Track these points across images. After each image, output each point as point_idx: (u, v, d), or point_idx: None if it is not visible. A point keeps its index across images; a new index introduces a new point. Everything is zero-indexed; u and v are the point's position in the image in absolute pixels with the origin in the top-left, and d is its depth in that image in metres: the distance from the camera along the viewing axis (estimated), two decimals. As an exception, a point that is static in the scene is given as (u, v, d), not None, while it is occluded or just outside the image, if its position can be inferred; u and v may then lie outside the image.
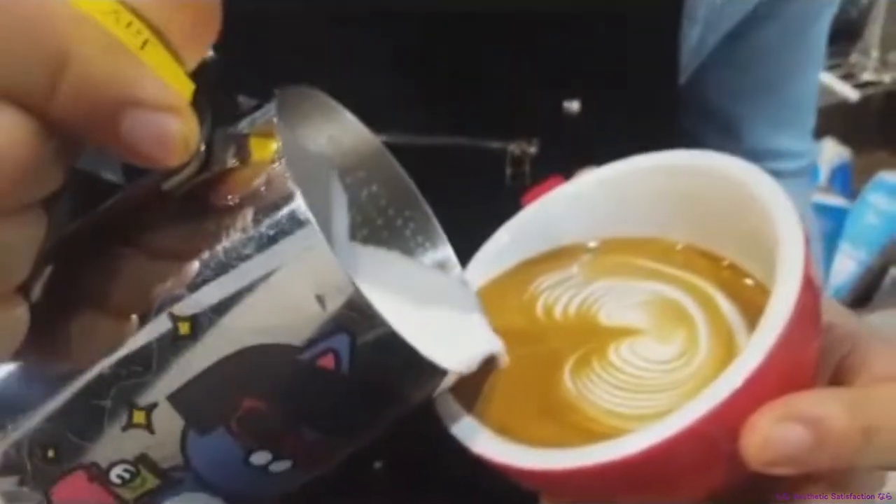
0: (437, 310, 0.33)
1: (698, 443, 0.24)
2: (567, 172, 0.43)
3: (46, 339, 0.23)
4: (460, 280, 0.35)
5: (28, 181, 0.19)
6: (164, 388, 0.24)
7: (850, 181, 1.33)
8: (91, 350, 0.24)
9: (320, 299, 0.23)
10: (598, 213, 0.37)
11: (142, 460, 0.25)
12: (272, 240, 0.23)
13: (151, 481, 0.25)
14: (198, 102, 0.21)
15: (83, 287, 0.23)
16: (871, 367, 0.28)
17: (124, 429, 0.24)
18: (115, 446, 0.25)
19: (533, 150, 0.48)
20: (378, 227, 0.35)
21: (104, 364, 0.24)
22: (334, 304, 0.23)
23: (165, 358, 0.24)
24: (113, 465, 0.25)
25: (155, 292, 0.24)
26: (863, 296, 1.29)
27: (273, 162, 0.24)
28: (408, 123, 0.45)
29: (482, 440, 0.28)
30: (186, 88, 0.21)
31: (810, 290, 0.26)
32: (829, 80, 1.31)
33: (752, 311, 0.29)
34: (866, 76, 1.34)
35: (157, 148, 0.20)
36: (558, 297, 0.35)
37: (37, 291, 0.22)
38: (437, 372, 0.26)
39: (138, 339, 0.24)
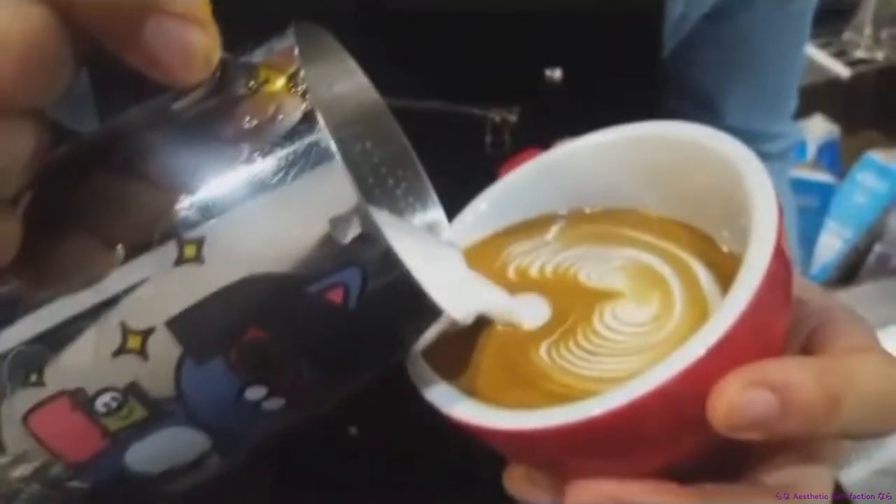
0: (427, 269, 0.32)
1: (665, 405, 0.24)
2: (547, 142, 0.43)
3: (39, 260, 0.22)
4: (449, 242, 0.35)
5: (34, 73, 0.18)
6: (163, 313, 0.23)
7: (838, 158, 1.33)
8: (87, 273, 0.23)
9: (335, 229, 0.23)
10: (574, 184, 0.37)
11: (131, 389, 0.24)
12: (289, 164, 0.22)
13: (139, 412, 0.24)
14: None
15: (81, 209, 0.22)
16: (839, 339, 0.28)
17: (115, 354, 0.23)
18: (104, 372, 0.24)
19: (513, 118, 0.48)
20: (368, 185, 0.34)
21: (100, 286, 0.23)
22: (348, 235, 0.23)
23: (167, 281, 0.23)
24: (100, 392, 0.24)
25: (157, 215, 0.23)
26: (848, 273, 1.30)
27: (290, 89, 0.23)
28: (389, 85, 0.45)
29: (452, 402, 0.28)
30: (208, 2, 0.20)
31: (781, 260, 0.26)
32: (821, 57, 1.31)
33: (726, 278, 0.29)
34: (859, 53, 1.34)
35: (179, 60, 0.20)
36: (532, 261, 0.35)
37: (24, 207, 0.21)
38: (440, 316, 0.26)
39: (139, 262, 0.23)
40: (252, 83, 0.24)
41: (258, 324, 0.24)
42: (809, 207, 1.18)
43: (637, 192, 0.35)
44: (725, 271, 0.30)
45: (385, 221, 0.34)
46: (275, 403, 0.25)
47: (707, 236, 0.33)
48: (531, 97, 0.48)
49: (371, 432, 0.55)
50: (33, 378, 0.24)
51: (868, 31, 1.31)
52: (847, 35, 1.35)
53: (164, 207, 0.23)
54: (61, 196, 0.23)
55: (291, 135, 0.22)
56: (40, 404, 0.24)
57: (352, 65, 0.31)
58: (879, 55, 1.32)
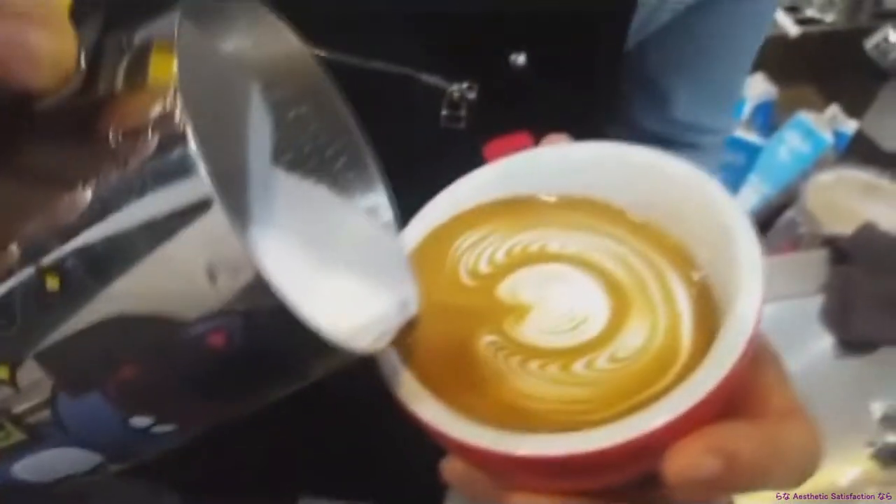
0: (354, 261, 0.31)
1: (625, 454, 0.26)
2: (503, 122, 0.43)
3: None
4: (389, 227, 0.33)
5: None
6: (30, 346, 0.21)
7: (770, 119, 1.35)
8: None
9: (212, 275, 0.20)
10: (560, 182, 0.37)
11: (5, 414, 0.23)
12: (159, 192, 0.20)
13: (18, 435, 0.23)
14: (83, 5, 0.18)
15: None
16: (772, 400, 0.30)
17: None
18: None
19: (472, 95, 0.48)
20: (305, 153, 0.32)
21: None
22: (229, 284, 0.20)
23: (30, 313, 0.21)
24: None
25: (17, 230, 0.20)
26: (758, 228, 1.34)
27: (170, 88, 0.20)
28: (355, 48, 0.44)
29: (418, 399, 0.29)
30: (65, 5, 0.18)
31: (758, 333, 0.28)
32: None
33: (701, 308, 0.31)
34: (810, 12, 1.34)
35: (25, 65, 0.18)
36: (512, 244, 0.36)
37: None
38: (345, 353, 0.24)
39: (2, 288, 0.21)
40: (127, 77, 0.21)
41: (132, 362, 0.22)
42: (735, 164, 1.20)
43: (622, 201, 0.36)
44: (701, 299, 0.32)
45: (312, 198, 0.32)
46: (165, 428, 0.24)
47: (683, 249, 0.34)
48: (493, 77, 0.48)
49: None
50: None
51: (824, -10, 1.31)
52: (803, -9, 1.34)
53: (20, 223, 0.21)
54: None
55: (163, 157, 0.20)
56: None
57: (280, 24, 0.28)
58: (829, 17, 1.32)
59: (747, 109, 1.29)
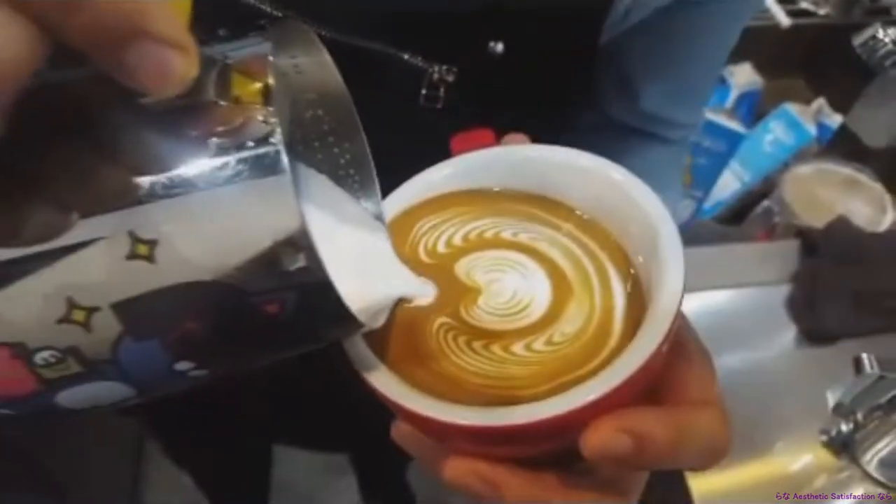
0: (354, 244, 0.35)
1: (553, 427, 0.29)
2: (480, 105, 0.47)
3: None
4: (379, 224, 0.36)
5: (6, 81, 0.19)
6: (110, 296, 0.24)
7: (753, 110, 1.36)
8: (39, 234, 0.23)
9: (280, 255, 0.24)
10: (516, 179, 0.40)
11: (71, 351, 0.25)
12: (246, 185, 0.24)
13: (75, 368, 0.26)
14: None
15: (41, 169, 0.23)
16: (691, 389, 0.33)
17: (60, 321, 0.25)
18: (47, 334, 0.25)
19: (450, 77, 0.50)
20: (314, 148, 0.36)
21: (54, 257, 0.24)
22: (292, 264, 0.24)
23: (117, 270, 0.24)
24: (40, 349, 0.25)
25: (116, 199, 0.23)
26: (737, 214, 1.36)
27: (259, 104, 0.24)
28: (334, 20, 0.45)
29: (372, 368, 0.32)
30: (186, 10, 0.22)
31: (674, 330, 0.30)
32: (769, -1, 1.31)
33: (634, 302, 0.34)
34: (804, 4, 1.34)
35: (156, 80, 0.20)
36: (452, 233, 0.38)
37: None
38: (361, 328, 0.29)
39: (94, 248, 0.24)
40: (222, 91, 0.24)
41: (197, 319, 0.25)
42: (717, 151, 1.22)
43: (573, 196, 0.38)
44: (634, 292, 0.34)
45: (319, 185, 0.36)
46: (199, 373, 0.27)
47: (623, 249, 0.36)
48: (472, 63, 0.50)
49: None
50: None
51: (818, -17, 1.31)
52: (798, -18, 1.34)
53: (123, 194, 0.23)
54: (20, 149, 0.22)
55: (251, 156, 0.24)
56: None
57: (317, 44, 0.32)
58: (822, 11, 1.33)
59: (732, 98, 1.30)
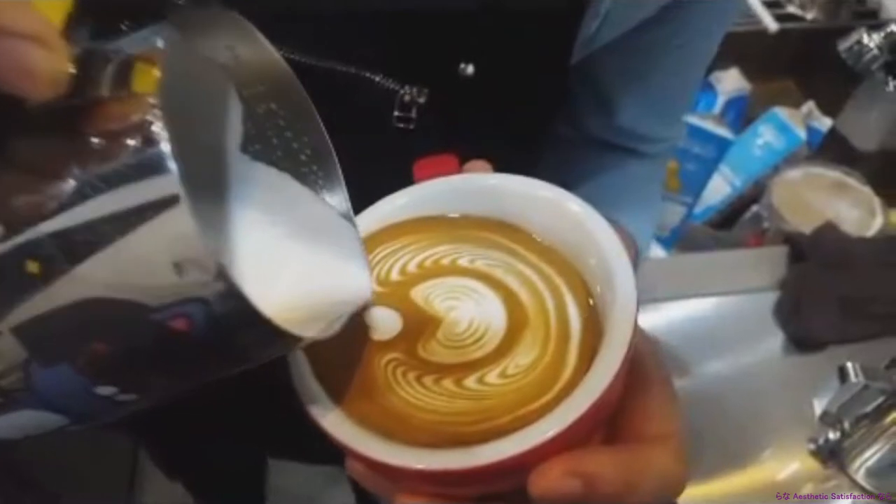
0: (314, 247, 0.33)
1: (503, 469, 0.28)
2: (452, 126, 0.47)
3: None
4: (345, 216, 0.35)
5: None
6: (8, 320, 0.23)
7: (741, 116, 1.36)
8: None
9: (178, 267, 0.22)
10: (475, 206, 0.39)
11: None
12: (134, 191, 0.22)
13: None
14: (75, 15, 0.20)
15: None
16: (649, 425, 0.33)
17: None
18: None
19: (422, 99, 0.50)
20: (273, 145, 0.34)
21: None
22: (193, 277, 0.22)
23: (10, 290, 0.23)
24: None
25: (2, 210, 0.22)
26: (727, 219, 1.36)
27: (151, 98, 0.22)
28: (312, 51, 0.45)
29: (318, 404, 0.32)
30: (61, 8, 0.20)
31: (628, 363, 0.30)
32: (755, 2, 1.31)
33: (590, 330, 0.33)
34: (791, 8, 1.34)
35: (22, 79, 0.20)
36: (426, 254, 0.38)
37: None
38: (295, 341, 0.26)
39: None
40: (111, 85, 0.23)
41: (102, 340, 0.24)
42: (705, 156, 1.21)
43: (532, 224, 0.38)
44: (590, 324, 0.34)
45: (279, 185, 0.34)
46: (128, 397, 0.26)
47: (581, 276, 0.36)
48: (442, 84, 0.50)
49: None
50: None
51: (805, -13, 1.31)
52: (785, -14, 1.34)
53: (9, 211, 0.22)
54: None
55: (137, 157, 0.22)
56: None
57: (256, 34, 0.30)
58: (809, 15, 1.33)
59: (719, 103, 1.30)
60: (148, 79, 0.23)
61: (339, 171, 0.34)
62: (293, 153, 0.34)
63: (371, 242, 0.38)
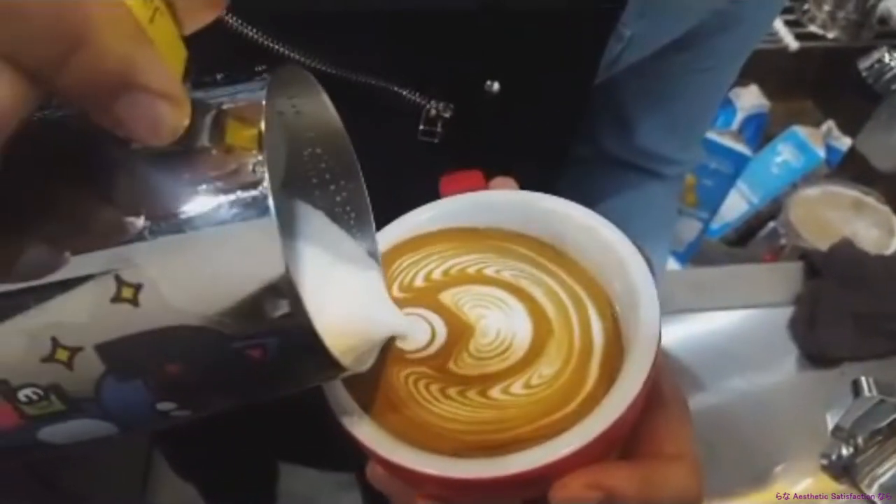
0: (349, 281, 0.35)
1: (525, 481, 0.29)
2: (476, 141, 0.49)
3: None
4: (373, 256, 0.37)
5: None
6: (93, 338, 0.24)
7: (760, 132, 1.36)
8: (27, 273, 0.23)
9: (263, 302, 0.24)
10: (499, 219, 0.40)
11: (54, 389, 0.26)
12: (232, 232, 0.24)
13: (58, 406, 0.26)
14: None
15: (29, 208, 0.23)
16: (665, 444, 0.34)
17: (44, 360, 0.25)
18: (30, 372, 0.25)
19: (448, 114, 0.51)
20: (312, 185, 0.36)
21: (42, 295, 0.24)
22: (276, 311, 0.24)
23: (102, 312, 0.24)
24: (23, 386, 0.25)
25: (104, 241, 0.24)
26: (743, 236, 1.36)
27: (251, 150, 0.24)
28: (344, 63, 0.47)
29: (351, 416, 0.33)
30: (180, 60, 0.21)
31: (651, 381, 0.31)
32: (776, 21, 1.31)
33: (611, 343, 0.34)
34: (813, 28, 1.34)
35: (146, 131, 0.21)
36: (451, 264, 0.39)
37: None
38: (345, 372, 0.29)
39: (80, 289, 0.24)
40: (214, 137, 0.24)
41: (180, 363, 0.25)
42: (723, 172, 1.22)
43: (555, 238, 0.39)
44: (613, 335, 0.35)
45: (314, 222, 0.36)
46: (181, 413, 0.28)
47: (605, 292, 0.36)
48: (468, 100, 0.51)
49: None
50: None
51: (827, 7, 1.31)
52: (807, 6, 1.34)
53: (110, 238, 0.23)
54: (12, 185, 0.23)
55: (238, 203, 0.24)
56: None
57: (316, 86, 0.32)
58: (830, 34, 1.33)
59: (738, 120, 1.30)
60: (246, 132, 0.24)
61: (372, 215, 0.36)
62: (329, 195, 0.36)
63: (395, 253, 0.39)
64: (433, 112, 0.51)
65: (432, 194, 0.41)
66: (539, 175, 0.42)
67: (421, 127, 0.52)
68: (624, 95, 0.61)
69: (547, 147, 0.58)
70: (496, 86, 0.50)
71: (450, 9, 0.47)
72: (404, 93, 0.50)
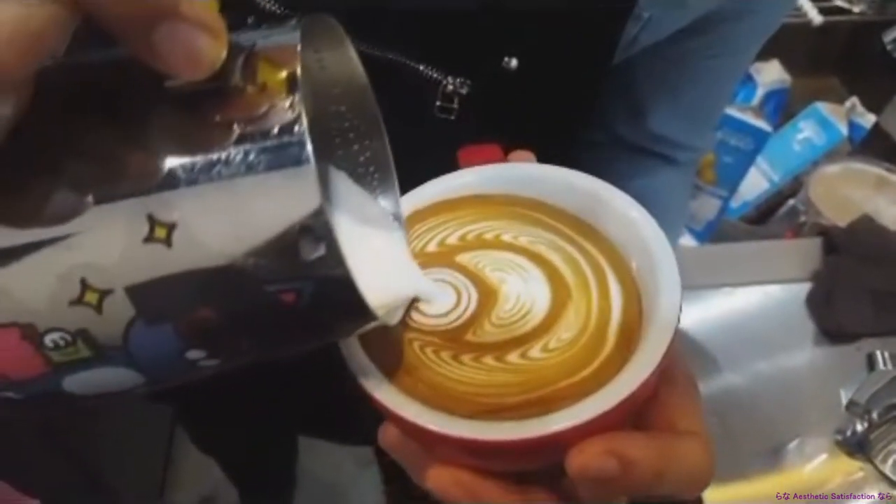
0: (374, 239, 0.35)
1: (541, 446, 0.29)
2: (492, 118, 0.49)
3: (9, 191, 0.23)
4: (396, 223, 0.37)
5: (31, 61, 0.19)
6: (124, 279, 0.24)
7: (781, 108, 1.34)
8: (56, 217, 0.23)
9: (299, 244, 0.24)
10: (517, 189, 0.40)
11: (81, 334, 0.25)
12: (269, 173, 0.23)
13: (84, 352, 0.25)
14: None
15: (61, 150, 0.23)
16: (679, 419, 0.33)
17: (72, 303, 0.24)
18: (58, 315, 0.25)
19: (465, 90, 0.51)
20: (334, 144, 0.36)
21: (68, 235, 0.23)
22: (311, 253, 0.24)
23: (133, 253, 0.24)
24: (51, 330, 0.25)
25: (136, 184, 0.23)
26: (763, 214, 1.35)
27: (286, 92, 0.24)
28: (354, 30, 0.47)
29: (370, 377, 0.33)
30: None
31: (671, 350, 0.31)
32: (801, -5, 1.29)
33: (629, 310, 0.34)
34: (838, 1, 1.32)
35: (185, 63, 0.21)
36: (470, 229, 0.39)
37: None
38: (375, 322, 0.28)
39: (110, 228, 0.23)
40: (248, 77, 0.24)
41: (212, 306, 0.25)
42: (743, 149, 1.20)
43: (572, 206, 0.39)
44: (631, 301, 0.35)
45: (339, 182, 0.36)
46: (210, 362, 0.27)
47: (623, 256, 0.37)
48: (486, 77, 0.51)
49: None
50: None
51: (852, -19, 1.29)
52: (832, -21, 1.32)
53: (143, 177, 0.23)
54: (41, 128, 0.23)
55: (275, 144, 0.23)
56: None
57: (345, 39, 0.32)
58: (857, 8, 1.31)
59: (758, 95, 1.29)
60: (282, 72, 0.24)
61: (395, 176, 0.36)
62: (353, 154, 0.36)
63: (410, 220, 0.39)
64: (450, 88, 0.51)
65: (447, 170, 0.41)
66: (553, 154, 0.42)
67: (438, 103, 0.52)
68: (638, 81, 0.61)
69: (562, 126, 0.58)
70: (514, 62, 0.50)
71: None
72: (421, 68, 0.50)
